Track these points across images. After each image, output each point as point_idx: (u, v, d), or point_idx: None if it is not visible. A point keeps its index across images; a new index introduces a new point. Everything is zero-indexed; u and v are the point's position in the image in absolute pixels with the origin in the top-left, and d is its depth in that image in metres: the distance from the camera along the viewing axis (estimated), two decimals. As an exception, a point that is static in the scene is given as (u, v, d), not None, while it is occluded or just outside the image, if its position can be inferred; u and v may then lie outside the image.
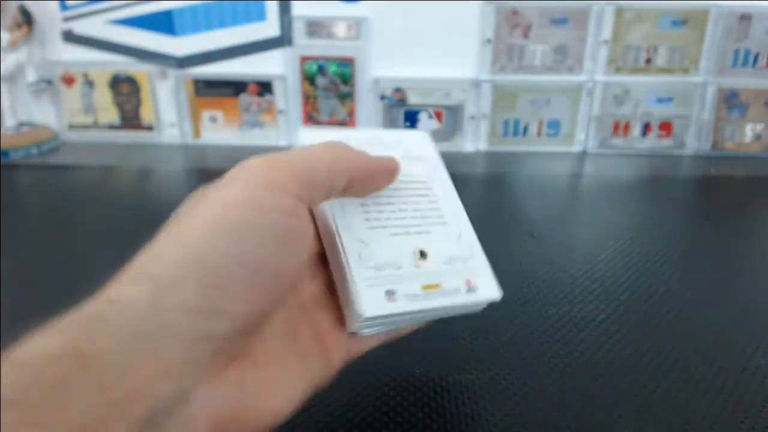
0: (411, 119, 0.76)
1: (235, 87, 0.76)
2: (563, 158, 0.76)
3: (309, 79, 0.75)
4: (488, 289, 0.27)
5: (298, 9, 0.73)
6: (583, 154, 0.78)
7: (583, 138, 0.78)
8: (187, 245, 0.18)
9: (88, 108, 0.78)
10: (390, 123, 0.77)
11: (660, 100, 0.76)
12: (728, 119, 0.76)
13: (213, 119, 0.78)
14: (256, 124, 0.78)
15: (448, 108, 0.76)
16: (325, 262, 0.25)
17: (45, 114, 0.79)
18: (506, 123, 0.77)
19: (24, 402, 0.14)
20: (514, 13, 0.73)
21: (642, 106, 0.76)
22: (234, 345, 0.19)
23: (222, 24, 0.75)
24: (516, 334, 0.36)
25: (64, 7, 0.75)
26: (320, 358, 0.23)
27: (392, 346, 0.34)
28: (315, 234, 0.25)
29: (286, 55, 0.75)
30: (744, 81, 0.75)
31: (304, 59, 0.75)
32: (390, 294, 0.23)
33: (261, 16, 0.74)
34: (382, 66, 0.75)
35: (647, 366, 0.33)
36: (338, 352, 0.24)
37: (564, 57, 0.75)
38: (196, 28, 0.75)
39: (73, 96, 0.77)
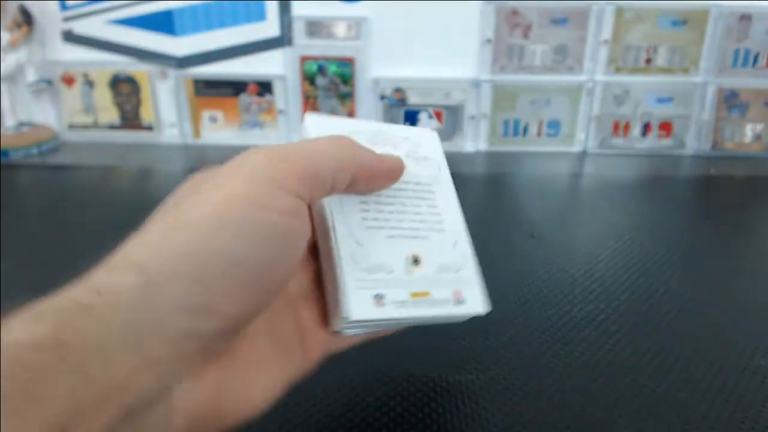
0: (411, 119, 0.76)
1: (235, 87, 0.76)
2: (563, 158, 0.76)
3: (309, 79, 0.75)
4: (476, 303, 0.26)
5: (298, 9, 0.73)
6: (583, 154, 0.78)
7: (583, 138, 0.78)
8: (182, 240, 0.18)
9: (88, 108, 0.78)
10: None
11: (660, 100, 0.76)
12: (728, 119, 0.76)
13: (213, 119, 0.78)
14: (256, 124, 0.78)
15: (448, 108, 0.76)
16: (315, 255, 0.25)
17: (45, 114, 0.79)
18: (506, 123, 0.77)
19: (2, 389, 0.14)
20: (514, 13, 0.73)
21: (642, 106, 0.76)
22: (220, 343, 0.19)
23: (222, 24, 0.75)
24: (516, 334, 0.36)
25: (64, 7, 0.75)
26: (300, 353, 0.23)
27: (391, 346, 0.34)
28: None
29: (286, 55, 0.75)
30: (744, 81, 0.75)
31: (304, 59, 0.75)
32: (378, 298, 0.23)
33: (261, 16, 0.74)
34: (382, 66, 0.75)
35: (647, 366, 0.33)
36: (318, 348, 0.24)
37: (564, 57, 0.75)
38: (196, 28, 0.75)
39: (73, 96, 0.77)
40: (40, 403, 0.14)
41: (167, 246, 0.18)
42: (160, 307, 0.17)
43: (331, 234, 0.23)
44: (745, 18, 0.73)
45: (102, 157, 0.73)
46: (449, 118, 0.76)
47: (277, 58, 0.76)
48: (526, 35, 0.74)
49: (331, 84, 0.75)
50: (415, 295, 0.24)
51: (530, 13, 0.73)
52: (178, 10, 0.74)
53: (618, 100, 0.76)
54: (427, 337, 0.33)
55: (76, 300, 0.16)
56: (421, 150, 0.28)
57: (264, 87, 0.76)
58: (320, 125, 0.26)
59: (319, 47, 0.74)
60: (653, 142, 0.78)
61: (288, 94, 0.76)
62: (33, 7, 0.74)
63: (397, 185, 0.25)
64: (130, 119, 0.78)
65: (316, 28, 0.74)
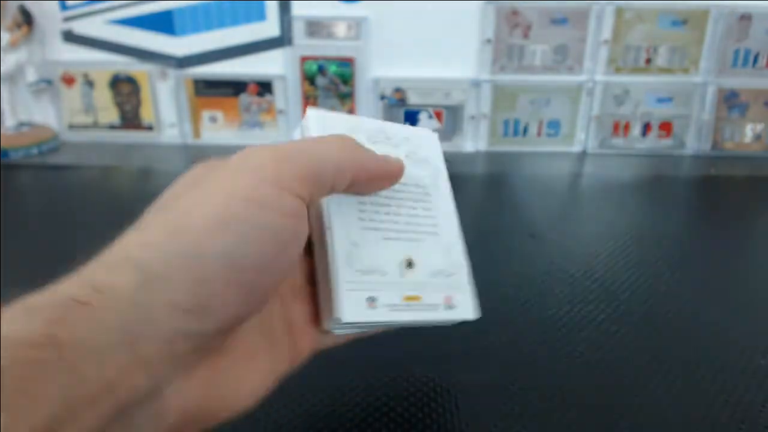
0: (411, 119, 0.76)
1: (235, 87, 0.76)
2: (563, 158, 0.76)
3: (309, 79, 0.75)
4: (466, 309, 0.26)
5: (298, 9, 0.73)
6: (583, 154, 0.78)
7: (583, 138, 0.78)
8: (182, 239, 0.18)
9: (88, 108, 0.78)
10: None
11: (660, 100, 0.76)
12: (728, 119, 0.76)
13: (213, 119, 0.78)
14: (256, 124, 0.78)
15: (448, 108, 0.76)
16: (309, 252, 0.25)
17: (45, 114, 0.79)
18: (506, 123, 0.77)
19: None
20: (514, 13, 0.73)
21: (642, 106, 0.76)
22: (214, 343, 0.19)
23: (222, 24, 0.75)
24: (516, 334, 0.36)
25: (64, 7, 0.75)
26: (289, 349, 0.23)
27: (391, 346, 0.34)
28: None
29: (286, 55, 0.75)
30: (744, 81, 0.75)
31: (304, 59, 0.75)
32: (371, 301, 0.23)
33: (261, 16, 0.74)
34: (382, 66, 0.75)
35: (647, 366, 0.33)
36: (307, 345, 0.24)
37: (564, 57, 0.75)
38: (196, 28, 0.75)
39: (73, 96, 0.77)
40: (32, 401, 0.14)
41: (167, 245, 0.17)
42: (157, 308, 0.17)
43: (327, 233, 0.23)
44: (745, 18, 0.73)
45: (102, 157, 0.73)
46: (449, 118, 0.76)
47: (277, 58, 0.76)
48: (526, 35, 0.74)
49: (331, 84, 0.75)
50: (407, 298, 0.24)
51: (530, 13, 0.73)
52: (178, 10, 0.74)
53: (618, 100, 0.76)
54: (427, 337, 0.33)
55: (73, 297, 0.16)
56: (420, 151, 0.28)
57: (264, 87, 0.76)
58: (322, 121, 0.25)
59: (319, 47, 0.74)
60: (653, 142, 0.78)
61: (288, 94, 0.76)
62: (33, 7, 0.74)
63: (395, 187, 0.25)
64: (130, 119, 0.78)
65: (316, 28, 0.74)
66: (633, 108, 0.76)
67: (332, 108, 0.76)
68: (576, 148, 0.78)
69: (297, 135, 0.26)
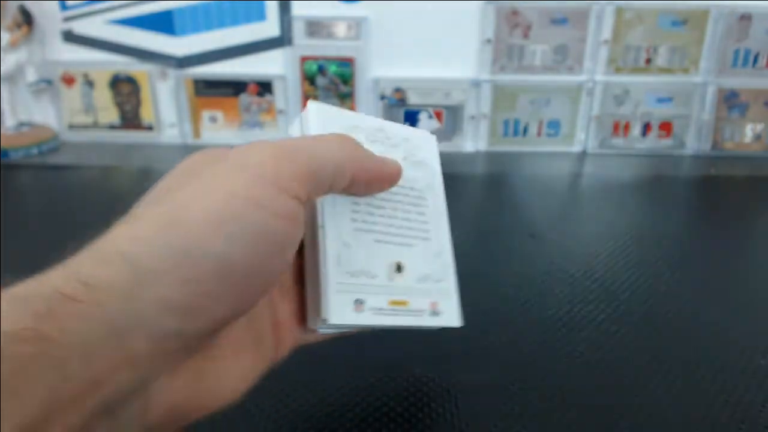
0: (411, 119, 0.76)
1: (235, 87, 0.76)
2: (563, 158, 0.76)
3: (309, 79, 0.75)
4: (451, 316, 0.26)
5: (298, 9, 0.73)
6: (583, 154, 0.78)
7: (583, 138, 0.78)
8: (177, 236, 0.17)
9: (88, 108, 0.78)
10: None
11: (660, 100, 0.76)
12: (728, 119, 0.76)
13: (213, 119, 0.78)
14: (256, 124, 0.78)
15: (448, 108, 0.76)
16: (299, 249, 0.24)
17: (45, 114, 0.79)
18: (506, 123, 0.77)
19: None
20: (514, 13, 0.73)
21: (642, 106, 0.76)
22: (202, 341, 0.19)
23: (222, 24, 0.75)
24: (516, 334, 0.36)
25: (64, 7, 0.75)
26: (273, 346, 0.23)
27: (392, 346, 0.34)
28: None
29: (286, 55, 0.75)
30: (744, 81, 0.75)
31: (304, 59, 0.75)
32: (358, 303, 0.23)
33: (261, 16, 0.74)
34: (382, 66, 0.75)
35: (647, 366, 0.33)
36: (290, 341, 0.24)
37: (564, 57, 0.75)
38: (196, 28, 0.75)
39: (73, 96, 0.77)
40: (17, 398, 0.14)
41: (160, 241, 0.17)
42: (146, 305, 0.16)
43: (320, 233, 0.23)
44: (745, 18, 0.73)
45: (102, 157, 0.73)
46: (449, 118, 0.76)
47: (277, 58, 0.76)
48: (526, 35, 0.74)
49: (331, 84, 0.75)
50: (393, 303, 0.24)
51: (530, 13, 0.73)
52: (178, 10, 0.74)
53: (618, 100, 0.76)
54: (427, 337, 0.33)
55: (60, 290, 0.15)
56: (418, 154, 0.28)
57: (264, 87, 0.76)
58: (322, 115, 0.25)
59: (319, 47, 0.74)
60: (653, 142, 0.78)
61: (288, 94, 0.76)
62: (33, 7, 0.74)
63: (391, 189, 0.25)
64: (130, 119, 0.78)
65: (316, 28, 0.74)
66: (633, 108, 0.76)
67: (332, 108, 0.76)
68: (576, 148, 0.78)
69: (296, 127, 0.26)
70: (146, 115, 0.78)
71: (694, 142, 0.77)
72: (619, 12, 0.73)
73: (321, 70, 0.75)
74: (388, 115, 0.76)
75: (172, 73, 0.76)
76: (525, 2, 0.72)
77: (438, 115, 0.76)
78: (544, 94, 0.76)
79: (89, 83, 0.77)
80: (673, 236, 0.52)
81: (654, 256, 0.47)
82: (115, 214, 0.19)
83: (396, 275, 0.25)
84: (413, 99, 0.75)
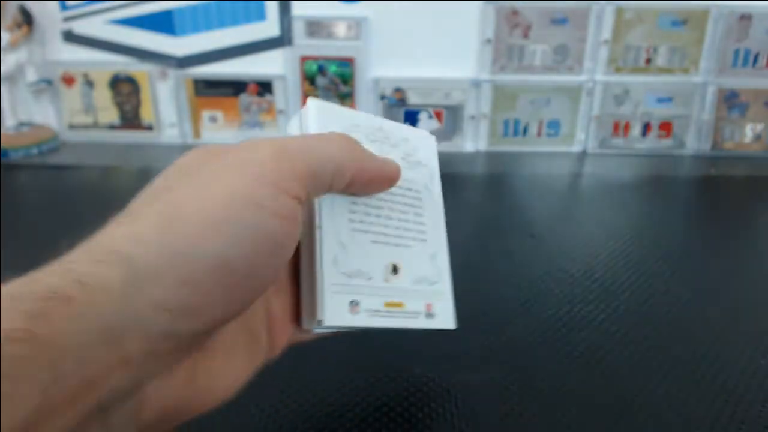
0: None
1: (235, 87, 0.76)
2: (563, 158, 0.76)
3: (309, 79, 0.75)
4: (445, 318, 0.26)
5: (298, 9, 0.73)
6: (583, 154, 0.78)
7: (583, 138, 0.78)
8: (175, 236, 0.17)
9: (88, 108, 0.78)
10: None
11: (660, 100, 0.76)
12: (728, 119, 0.76)
13: (213, 119, 0.78)
14: (256, 124, 0.78)
15: (448, 108, 0.76)
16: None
17: (45, 114, 0.79)
18: (506, 123, 0.77)
19: None
20: (514, 13, 0.73)
21: (642, 106, 0.76)
22: (197, 342, 0.19)
23: (222, 24, 0.75)
24: (516, 334, 0.36)
25: (64, 7, 0.75)
26: (267, 344, 0.23)
27: (391, 346, 0.34)
28: None
29: (286, 55, 0.75)
30: (744, 81, 0.75)
31: (304, 59, 0.75)
32: (354, 305, 0.23)
33: (261, 16, 0.74)
34: (382, 66, 0.75)
35: (647, 366, 0.33)
36: (284, 339, 0.24)
37: (564, 57, 0.75)
38: (196, 28, 0.75)
39: (73, 96, 0.77)
40: (9, 401, 0.13)
41: (157, 240, 0.17)
42: (142, 306, 0.16)
43: (317, 232, 0.23)
44: (745, 18, 0.73)
45: (102, 157, 0.73)
46: (449, 118, 0.76)
47: (277, 58, 0.76)
48: (526, 35, 0.74)
49: (331, 84, 0.75)
50: (389, 305, 0.24)
51: (530, 13, 0.73)
52: (178, 10, 0.74)
53: (618, 100, 0.76)
54: (427, 337, 0.33)
55: (55, 290, 0.15)
56: (417, 154, 0.28)
57: (264, 87, 0.76)
58: (322, 113, 0.25)
59: (319, 47, 0.74)
60: (653, 142, 0.78)
61: (288, 94, 0.76)
62: (33, 7, 0.74)
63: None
64: (130, 119, 0.78)
65: (316, 28, 0.74)
66: (633, 108, 0.76)
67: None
68: (576, 148, 0.78)
69: (295, 124, 0.26)
70: (146, 115, 0.78)
71: (694, 142, 0.77)
72: (619, 12, 0.73)
73: (321, 70, 0.75)
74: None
75: (172, 73, 0.76)
76: (525, 2, 0.72)
77: (438, 115, 0.76)
78: (544, 94, 0.76)
79: (89, 83, 0.77)
80: (673, 236, 0.52)
81: (654, 256, 0.47)
82: (116, 214, 0.19)
83: (392, 277, 0.25)
84: (413, 99, 0.75)
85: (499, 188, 0.65)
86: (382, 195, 0.25)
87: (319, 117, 0.25)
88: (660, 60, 0.75)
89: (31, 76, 0.76)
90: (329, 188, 0.22)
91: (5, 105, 0.75)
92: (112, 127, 0.79)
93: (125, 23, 0.75)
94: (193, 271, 0.17)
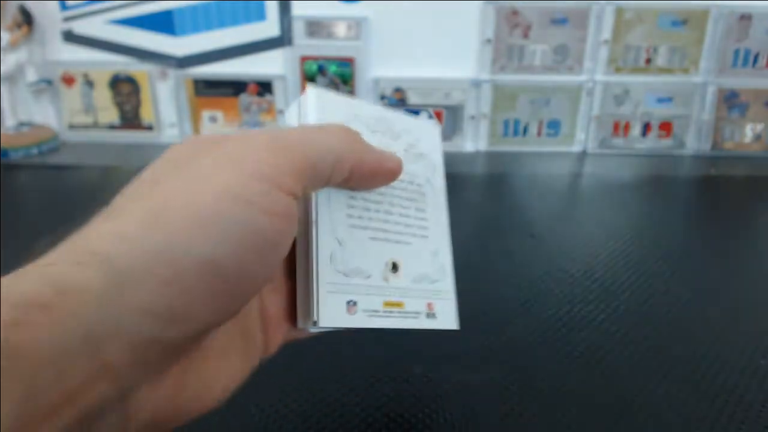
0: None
1: (235, 87, 0.76)
2: (563, 158, 0.76)
3: (309, 79, 0.75)
4: (447, 318, 0.25)
5: (298, 9, 0.73)
6: (583, 154, 0.78)
7: (583, 138, 0.78)
8: (159, 233, 0.16)
9: (88, 108, 0.78)
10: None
11: (660, 100, 0.76)
12: (728, 119, 0.76)
13: (213, 119, 0.78)
14: (256, 124, 0.78)
15: (448, 108, 0.76)
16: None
17: (45, 114, 0.79)
18: (506, 123, 0.77)
19: None
20: (514, 13, 0.73)
21: (642, 106, 0.76)
22: (187, 347, 0.17)
23: (222, 24, 0.75)
24: (516, 334, 0.36)
25: (64, 7, 0.75)
26: (262, 343, 0.22)
27: (392, 346, 0.34)
28: None
29: (286, 55, 0.75)
30: (744, 81, 0.75)
31: (304, 59, 0.75)
32: (351, 305, 0.22)
33: (261, 16, 0.74)
34: (382, 66, 0.75)
35: (647, 366, 0.33)
36: (279, 338, 0.23)
37: (564, 57, 0.75)
38: (196, 28, 0.75)
39: (73, 96, 0.77)
40: None
41: (141, 240, 0.16)
42: (126, 311, 0.15)
43: (313, 228, 0.22)
44: (745, 18, 0.73)
45: (102, 157, 0.73)
46: (449, 118, 0.76)
47: (277, 58, 0.76)
48: (526, 35, 0.74)
49: (331, 84, 0.75)
50: (388, 304, 0.23)
51: (530, 13, 0.73)
52: (178, 10, 0.74)
53: (618, 100, 0.76)
54: (427, 337, 0.33)
55: (31, 297, 0.14)
56: (420, 145, 0.27)
57: (264, 87, 0.76)
58: (321, 101, 0.24)
59: (319, 47, 0.74)
60: (653, 142, 0.78)
61: (288, 94, 0.76)
62: (33, 7, 0.74)
63: None
64: (130, 119, 0.78)
65: (316, 28, 0.74)
66: (633, 108, 0.76)
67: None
68: (576, 148, 0.78)
69: (293, 112, 0.25)
70: (146, 115, 0.78)
71: (694, 142, 0.77)
72: (619, 12, 0.73)
73: (321, 70, 0.75)
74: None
75: (172, 73, 0.76)
76: (525, 2, 0.72)
77: (438, 115, 0.76)
78: (544, 94, 0.76)
79: (89, 83, 0.77)
80: (673, 236, 0.52)
81: (654, 256, 0.47)
82: (101, 210, 0.18)
83: (391, 275, 0.24)
84: (413, 99, 0.75)
85: (499, 188, 0.64)
86: (382, 189, 0.24)
87: (318, 106, 0.23)
88: (660, 60, 0.75)
89: (31, 76, 0.76)
90: (327, 182, 0.21)
91: (5, 105, 0.75)
92: (112, 127, 0.79)
93: (125, 23, 0.75)
94: (178, 271, 0.16)
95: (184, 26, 0.75)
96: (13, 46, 0.73)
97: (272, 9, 0.74)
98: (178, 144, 0.19)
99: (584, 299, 0.40)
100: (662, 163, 0.74)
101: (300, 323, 0.22)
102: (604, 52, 0.74)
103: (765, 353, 0.34)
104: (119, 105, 0.78)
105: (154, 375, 0.17)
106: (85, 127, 0.79)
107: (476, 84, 0.75)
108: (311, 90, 0.24)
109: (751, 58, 0.75)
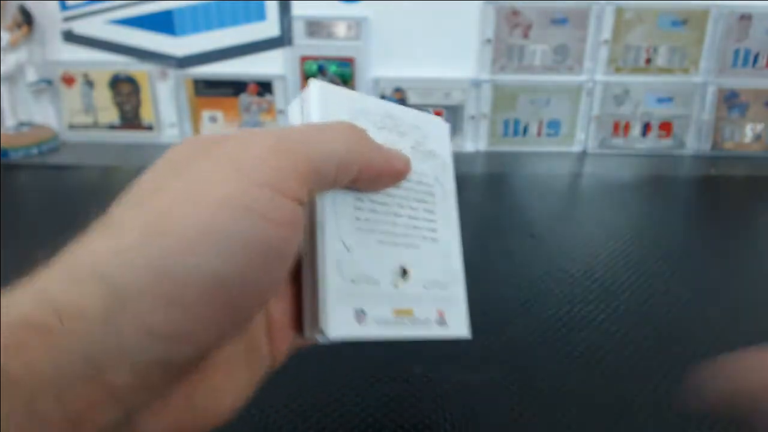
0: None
1: (235, 87, 0.76)
2: (563, 158, 0.76)
3: (309, 78, 0.75)
4: (458, 326, 0.24)
5: (298, 9, 0.73)
6: (583, 154, 0.77)
7: (583, 138, 0.78)
8: (160, 249, 0.15)
9: (88, 108, 0.78)
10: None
11: (660, 100, 0.76)
12: (728, 119, 0.76)
13: (213, 119, 0.78)
14: (256, 124, 0.78)
15: (448, 108, 0.76)
16: None
17: (45, 114, 0.79)
18: (506, 123, 0.77)
19: None
20: (514, 13, 0.73)
21: (642, 106, 0.76)
22: (191, 366, 0.16)
23: (222, 24, 0.75)
24: (516, 334, 0.36)
25: (64, 7, 0.75)
26: (268, 353, 0.21)
27: (392, 346, 0.34)
28: None
29: (286, 55, 0.75)
30: (744, 81, 0.75)
31: (304, 59, 0.75)
32: (359, 314, 0.21)
33: (261, 16, 0.74)
34: (382, 66, 0.75)
35: (647, 366, 0.33)
36: (285, 347, 0.22)
37: (564, 57, 0.75)
38: (196, 28, 0.75)
39: (73, 96, 0.77)
40: None
41: (141, 256, 0.15)
42: (127, 333, 0.14)
43: (319, 233, 0.21)
44: (745, 18, 0.73)
45: (102, 157, 0.73)
46: (449, 118, 0.76)
47: (277, 58, 0.76)
48: (526, 35, 0.74)
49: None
50: (398, 312, 0.22)
51: (530, 13, 0.73)
52: (178, 10, 0.74)
53: (618, 100, 0.76)
54: (427, 337, 0.33)
55: (29, 319, 0.14)
56: (428, 143, 0.25)
57: (264, 87, 0.76)
58: (325, 96, 0.22)
59: (319, 47, 0.74)
60: (653, 142, 0.78)
61: (288, 94, 0.76)
62: (33, 7, 0.74)
63: None
64: (130, 119, 0.78)
65: (316, 28, 0.74)
66: (633, 108, 0.76)
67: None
68: (576, 148, 0.78)
69: (296, 108, 0.23)
70: (146, 115, 0.78)
71: (694, 142, 0.77)
72: (619, 12, 0.73)
73: (321, 70, 0.75)
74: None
75: (172, 73, 0.76)
76: (525, 2, 0.72)
77: (438, 115, 0.76)
78: (544, 94, 0.76)
79: (89, 83, 0.77)
80: (673, 236, 0.52)
81: (654, 256, 0.47)
82: (99, 218, 0.17)
83: (401, 281, 0.22)
84: (413, 99, 0.75)
85: (499, 188, 0.64)
86: (390, 189, 0.23)
87: (322, 102, 0.22)
88: (660, 60, 0.75)
89: (31, 76, 0.76)
90: (333, 184, 0.19)
91: (5, 105, 0.75)
92: (112, 127, 0.79)
93: (125, 23, 0.75)
94: (181, 290, 0.15)
95: (184, 26, 0.75)
96: (13, 46, 0.73)
97: (272, 9, 0.74)
98: (177, 145, 0.19)
99: (584, 299, 0.40)
100: (662, 163, 0.74)
101: (307, 333, 0.21)
102: (604, 52, 0.74)
103: (765, 353, 0.34)
104: (119, 105, 0.78)
105: (160, 396, 0.16)
106: (85, 127, 0.79)
107: (476, 84, 0.75)
108: (314, 84, 0.22)
109: (751, 58, 0.75)
